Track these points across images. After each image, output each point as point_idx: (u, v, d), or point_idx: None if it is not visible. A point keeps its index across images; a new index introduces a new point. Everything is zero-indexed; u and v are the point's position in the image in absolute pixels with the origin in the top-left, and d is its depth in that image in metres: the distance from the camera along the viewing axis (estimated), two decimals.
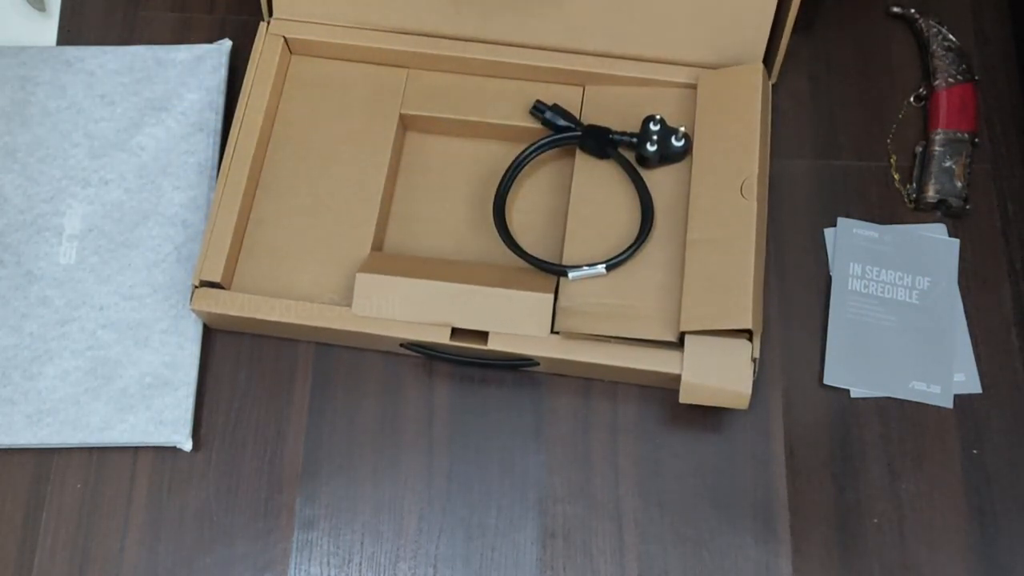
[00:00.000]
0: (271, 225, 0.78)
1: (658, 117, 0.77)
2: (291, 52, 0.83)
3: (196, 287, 0.75)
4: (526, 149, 0.79)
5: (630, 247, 0.74)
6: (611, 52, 0.81)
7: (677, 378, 0.71)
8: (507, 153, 0.81)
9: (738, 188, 0.73)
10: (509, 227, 0.78)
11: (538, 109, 0.79)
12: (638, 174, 0.77)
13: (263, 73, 0.80)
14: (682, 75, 0.80)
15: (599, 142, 0.78)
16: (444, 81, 0.82)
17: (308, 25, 0.82)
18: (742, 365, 0.70)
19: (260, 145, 0.79)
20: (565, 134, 0.78)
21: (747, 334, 0.71)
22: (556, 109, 0.79)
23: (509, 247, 0.76)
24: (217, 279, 0.74)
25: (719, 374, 0.70)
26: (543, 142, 0.79)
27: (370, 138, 0.81)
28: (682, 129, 0.77)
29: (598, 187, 0.78)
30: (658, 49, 0.80)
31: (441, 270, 0.75)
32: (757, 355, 0.71)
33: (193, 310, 0.75)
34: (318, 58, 0.83)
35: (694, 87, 0.79)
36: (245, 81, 0.80)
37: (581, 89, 0.81)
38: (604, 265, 0.73)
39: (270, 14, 0.82)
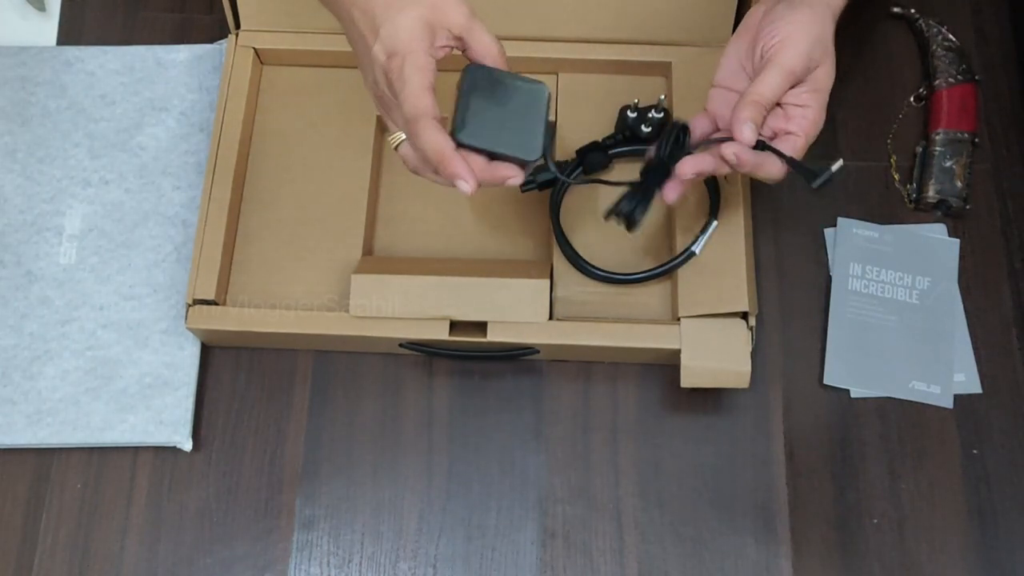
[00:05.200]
0: (260, 238, 0.78)
1: (635, 102, 0.77)
2: (262, 63, 0.83)
3: (190, 306, 0.74)
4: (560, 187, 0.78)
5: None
6: (582, 37, 0.81)
7: (676, 353, 0.72)
8: None
9: (721, 175, 0.74)
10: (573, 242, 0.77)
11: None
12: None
13: (236, 86, 0.80)
14: (655, 54, 0.80)
15: (597, 160, 0.77)
16: None
17: (276, 34, 0.81)
18: (739, 344, 0.71)
19: (240, 159, 0.79)
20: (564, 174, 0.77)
21: (742, 314, 0.72)
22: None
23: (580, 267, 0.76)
24: (211, 296, 0.74)
25: (718, 355, 0.71)
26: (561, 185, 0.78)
27: (350, 142, 0.80)
28: (662, 96, 0.77)
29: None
30: (629, 30, 0.80)
31: (435, 266, 0.75)
32: (753, 332, 0.72)
33: (189, 329, 0.74)
34: (290, 67, 0.83)
35: (669, 66, 0.80)
36: (219, 96, 0.80)
37: (555, 77, 0.81)
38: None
39: (237, 26, 0.82)
